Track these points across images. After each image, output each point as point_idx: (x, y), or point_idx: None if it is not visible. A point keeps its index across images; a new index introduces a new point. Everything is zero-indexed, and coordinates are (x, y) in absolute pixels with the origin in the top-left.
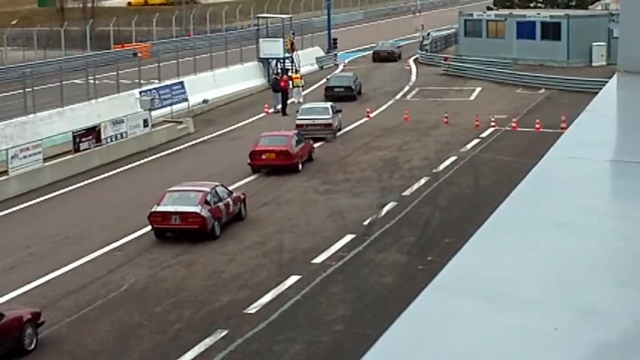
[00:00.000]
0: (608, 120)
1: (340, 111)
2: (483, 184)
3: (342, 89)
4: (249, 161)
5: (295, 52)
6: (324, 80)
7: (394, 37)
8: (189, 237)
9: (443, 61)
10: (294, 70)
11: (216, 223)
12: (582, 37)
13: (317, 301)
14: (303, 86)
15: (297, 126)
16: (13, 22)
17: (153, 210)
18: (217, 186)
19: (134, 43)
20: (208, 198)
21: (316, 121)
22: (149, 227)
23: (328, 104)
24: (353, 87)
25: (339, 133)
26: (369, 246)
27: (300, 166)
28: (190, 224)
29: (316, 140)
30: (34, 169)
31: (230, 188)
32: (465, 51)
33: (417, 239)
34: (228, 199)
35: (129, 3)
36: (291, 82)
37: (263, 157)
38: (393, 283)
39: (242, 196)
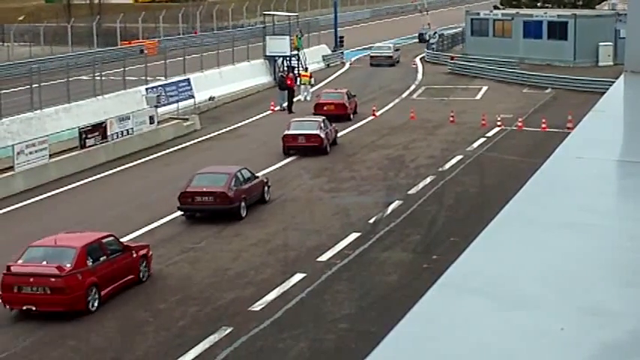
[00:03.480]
0: (615, 120)
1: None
2: (489, 183)
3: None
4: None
5: (302, 51)
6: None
7: (400, 35)
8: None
9: (449, 60)
10: (304, 68)
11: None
12: (589, 37)
13: (322, 299)
14: (312, 84)
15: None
16: (20, 18)
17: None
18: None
19: (141, 40)
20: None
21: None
22: (154, 224)
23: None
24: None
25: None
26: (374, 244)
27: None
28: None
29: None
30: (40, 165)
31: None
32: (471, 50)
33: (422, 238)
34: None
35: (136, 0)
36: (298, 80)
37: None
38: (397, 282)
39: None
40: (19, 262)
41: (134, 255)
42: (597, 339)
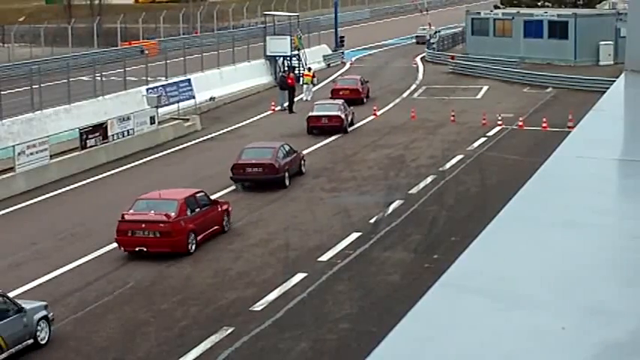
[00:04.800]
0: (616, 119)
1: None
2: (490, 182)
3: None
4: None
5: (302, 51)
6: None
7: (400, 35)
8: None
9: (450, 60)
10: (306, 68)
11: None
12: (589, 36)
13: (323, 299)
14: (314, 84)
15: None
16: (21, 19)
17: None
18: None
19: (141, 41)
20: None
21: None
22: None
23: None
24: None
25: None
26: (375, 244)
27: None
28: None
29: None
30: (41, 166)
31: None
32: (472, 49)
33: (423, 237)
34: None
35: (136, 0)
36: (301, 79)
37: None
38: (399, 282)
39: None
40: (130, 211)
41: (219, 209)
42: (598, 338)
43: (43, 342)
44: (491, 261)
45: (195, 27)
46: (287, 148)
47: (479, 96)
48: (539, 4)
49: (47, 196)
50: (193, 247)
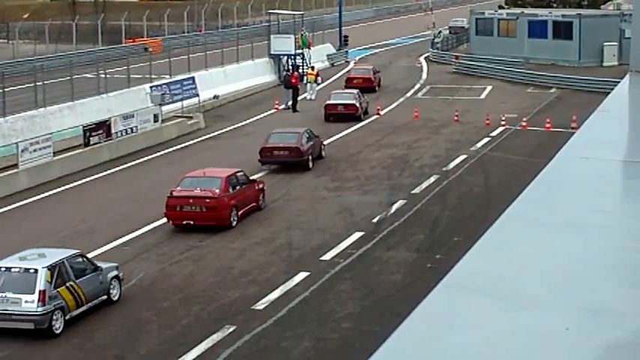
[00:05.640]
0: (620, 120)
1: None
2: (493, 183)
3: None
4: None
5: (308, 51)
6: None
7: (403, 35)
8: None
9: (454, 60)
10: (310, 67)
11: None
12: (594, 37)
13: (325, 298)
14: (318, 83)
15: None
16: (25, 16)
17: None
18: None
19: (145, 38)
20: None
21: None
22: (158, 222)
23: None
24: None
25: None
26: (377, 243)
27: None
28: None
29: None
30: (44, 163)
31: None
32: (476, 49)
33: (426, 237)
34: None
35: None
36: (305, 78)
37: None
38: (401, 281)
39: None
40: (178, 188)
41: (257, 187)
42: (602, 339)
43: (115, 298)
44: (495, 261)
45: (200, 25)
46: (310, 133)
47: (483, 96)
48: (543, 4)
49: (50, 193)
50: (235, 221)
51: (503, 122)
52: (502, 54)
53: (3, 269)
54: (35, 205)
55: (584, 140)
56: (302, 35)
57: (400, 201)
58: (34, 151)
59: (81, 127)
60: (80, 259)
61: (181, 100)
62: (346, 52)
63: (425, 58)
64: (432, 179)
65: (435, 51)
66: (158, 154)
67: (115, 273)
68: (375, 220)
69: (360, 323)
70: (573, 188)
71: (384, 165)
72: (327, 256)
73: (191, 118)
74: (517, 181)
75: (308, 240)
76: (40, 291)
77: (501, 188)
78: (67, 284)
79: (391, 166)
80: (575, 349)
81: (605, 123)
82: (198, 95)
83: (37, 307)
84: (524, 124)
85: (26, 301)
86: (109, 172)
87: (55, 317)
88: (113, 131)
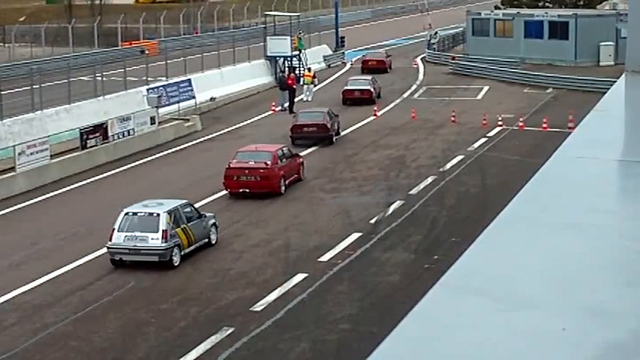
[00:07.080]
0: (616, 120)
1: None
2: (490, 183)
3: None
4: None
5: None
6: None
7: (400, 36)
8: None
9: (450, 60)
10: (306, 69)
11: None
12: (590, 37)
13: (323, 299)
14: (315, 84)
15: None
16: (21, 19)
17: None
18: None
19: (142, 41)
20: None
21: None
22: None
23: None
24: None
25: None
26: (375, 244)
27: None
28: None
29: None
30: (41, 166)
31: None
32: (472, 50)
33: (423, 238)
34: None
35: (136, 0)
36: (302, 80)
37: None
38: (399, 282)
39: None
40: (234, 160)
41: (298, 161)
42: (599, 339)
43: (213, 242)
44: (492, 261)
45: (196, 27)
46: (331, 112)
47: (479, 96)
48: (539, 4)
49: (47, 196)
50: (283, 188)
51: (499, 122)
52: (498, 54)
53: (131, 214)
54: (33, 208)
55: (581, 140)
56: (298, 37)
57: (398, 202)
58: (32, 154)
59: (78, 129)
60: (189, 208)
61: (178, 102)
62: (343, 53)
63: (421, 59)
64: (430, 180)
65: (432, 52)
66: (155, 156)
67: (213, 221)
68: (372, 221)
69: (358, 324)
70: (570, 188)
71: (382, 166)
72: (325, 258)
73: (188, 120)
74: (514, 181)
75: (306, 241)
76: (163, 230)
77: (498, 188)
78: (182, 226)
79: (388, 167)
80: (573, 350)
81: (602, 123)
82: (194, 97)
83: (162, 243)
84: (520, 124)
85: (152, 239)
86: (106, 174)
87: (174, 252)
88: (110, 134)
